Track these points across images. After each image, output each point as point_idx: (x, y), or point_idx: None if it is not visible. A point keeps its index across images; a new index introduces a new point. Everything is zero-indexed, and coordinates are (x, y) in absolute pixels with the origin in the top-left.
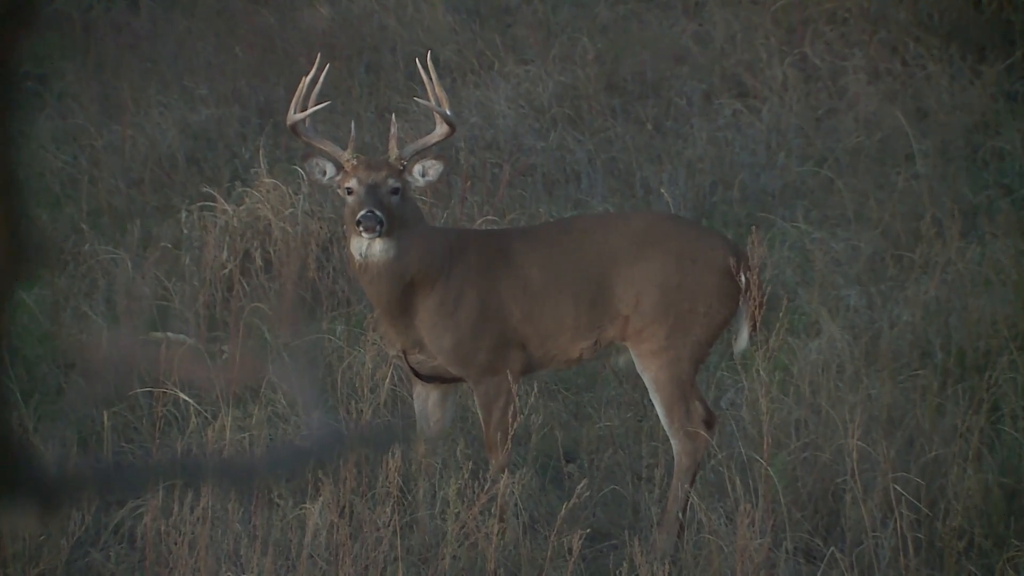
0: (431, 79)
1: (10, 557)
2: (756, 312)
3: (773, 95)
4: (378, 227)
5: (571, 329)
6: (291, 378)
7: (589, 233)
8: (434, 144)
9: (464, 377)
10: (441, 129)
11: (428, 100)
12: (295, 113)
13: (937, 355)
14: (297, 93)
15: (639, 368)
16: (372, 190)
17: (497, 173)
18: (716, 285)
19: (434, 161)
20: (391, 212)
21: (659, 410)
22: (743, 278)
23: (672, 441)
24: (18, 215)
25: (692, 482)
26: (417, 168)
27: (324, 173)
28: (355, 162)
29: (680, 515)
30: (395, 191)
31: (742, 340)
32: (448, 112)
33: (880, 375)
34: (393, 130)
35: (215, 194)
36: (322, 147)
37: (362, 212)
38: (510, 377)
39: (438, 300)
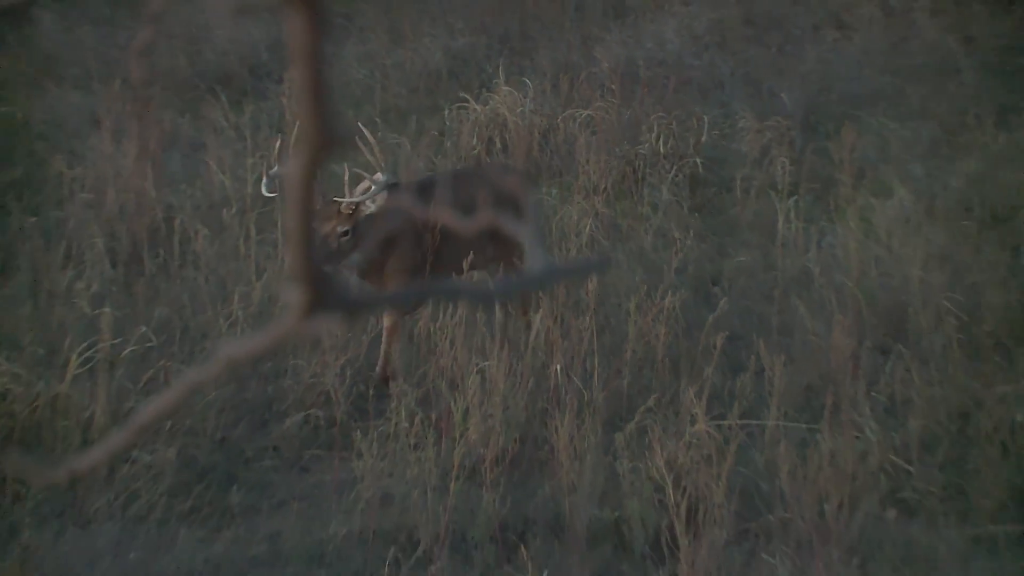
0: (371, 143)
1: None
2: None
3: (863, 27)
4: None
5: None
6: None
7: (458, 182)
8: (375, 192)
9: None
10: (380, 187)
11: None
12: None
13: (976, 210)
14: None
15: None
16: (323, 243)
17: (666, 83)
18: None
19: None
20: (341, 251)
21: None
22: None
23: None
24: (329, 109)
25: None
26: (369, 203)
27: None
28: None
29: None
30: (345, 234)
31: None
32: (384, 177)
33: (936, 224)
34: (346, 177)
35: (468, 98)
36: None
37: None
38: None
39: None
